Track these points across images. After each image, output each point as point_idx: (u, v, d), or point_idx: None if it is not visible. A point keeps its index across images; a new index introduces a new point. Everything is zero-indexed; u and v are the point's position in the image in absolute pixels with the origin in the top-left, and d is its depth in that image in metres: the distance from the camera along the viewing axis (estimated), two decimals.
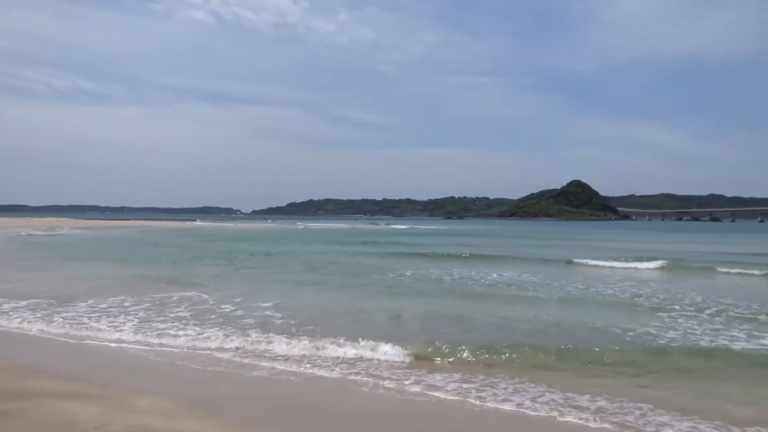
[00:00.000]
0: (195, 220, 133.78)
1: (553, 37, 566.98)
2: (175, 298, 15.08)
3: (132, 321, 11.88)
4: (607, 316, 13.04)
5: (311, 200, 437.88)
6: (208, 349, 9.73)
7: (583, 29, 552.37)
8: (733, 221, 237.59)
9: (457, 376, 8.20)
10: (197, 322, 11.77)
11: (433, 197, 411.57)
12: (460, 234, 71.22)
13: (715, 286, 19.32)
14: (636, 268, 24.25)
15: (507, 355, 9.13)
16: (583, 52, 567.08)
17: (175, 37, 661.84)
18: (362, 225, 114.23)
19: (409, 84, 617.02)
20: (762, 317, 13.08)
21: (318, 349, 9.51)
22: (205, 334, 10.60)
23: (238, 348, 9.74)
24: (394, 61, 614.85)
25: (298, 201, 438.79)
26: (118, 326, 11.32)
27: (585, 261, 26.28)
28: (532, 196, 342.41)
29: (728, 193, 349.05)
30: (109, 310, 13.13)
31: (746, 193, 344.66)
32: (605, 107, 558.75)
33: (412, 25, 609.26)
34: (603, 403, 7.01)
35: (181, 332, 10.78)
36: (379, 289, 17.89)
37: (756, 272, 22.92)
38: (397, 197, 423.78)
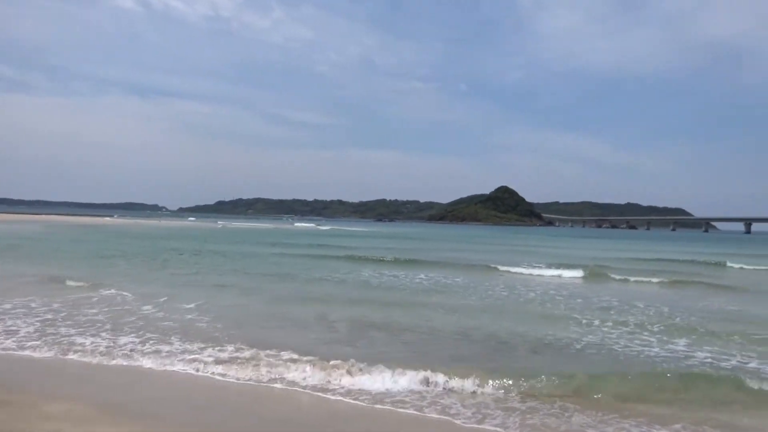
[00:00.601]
0: (113, 216, 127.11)
1: (487, 46, 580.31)
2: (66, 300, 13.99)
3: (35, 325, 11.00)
4: (528, 322, 13.13)
5: (240, 199, 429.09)
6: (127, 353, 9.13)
7: (516, 40, 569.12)
8: (648, 229, 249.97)
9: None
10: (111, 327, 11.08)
11: (364, 199, 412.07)
12: (389, 236, 70.80)
13: (630, 292, 19.86)
14: (560, 276, 24.37)
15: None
16: (515, 62, 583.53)
17: (101, 25, 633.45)
18: (287, 225, 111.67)
19: (345, 85, 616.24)
20: (677, 321, 13.57)
21: (239, 358, 9.04)
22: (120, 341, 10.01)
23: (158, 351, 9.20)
24: (330, 62, 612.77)
25: (226, 199, 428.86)
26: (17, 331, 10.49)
27: (508, 268, 26.00)
28: (461, 201, 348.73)
29: (644, 203, 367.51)
30: (13, 311, 12.11)
31: (660, 203, 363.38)
32: (535, 116, 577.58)
33: (348, 27, 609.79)
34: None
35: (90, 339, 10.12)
36: (305, 291, 17.42)
37: (665, 279, 23.74)
38: (328, 198, 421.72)
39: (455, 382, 7.82)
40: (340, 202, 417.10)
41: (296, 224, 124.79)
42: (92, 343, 9.65)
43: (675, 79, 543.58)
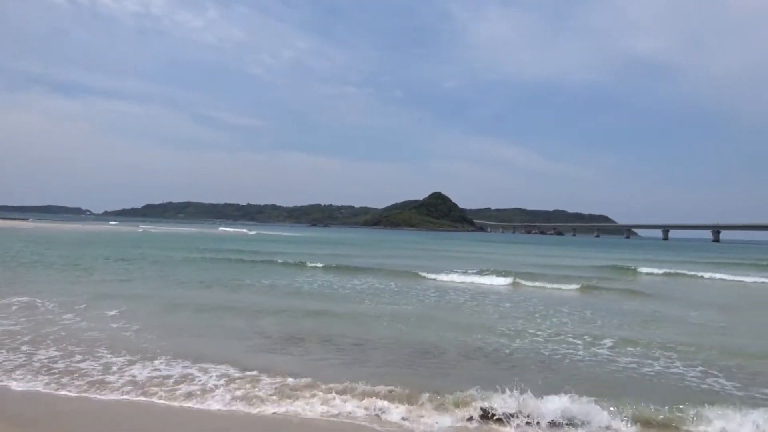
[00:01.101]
0: (28, 219, 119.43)
1: (422, 54, 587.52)
2: None
3: None
4: (457, 328, 13.12)
5: (171, 203, 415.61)
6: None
7: (450, 48, 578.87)
8: (574, 235, 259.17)
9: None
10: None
11: (299, 204, 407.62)
12: (321, 242, 69.60)
13: (555, 298, 20.28)
14: (490, 282, 24.51)
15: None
16: (449, 70, 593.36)
17: (22, 18, 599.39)
18: (213, 230, 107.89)
19: (279, 88, 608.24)
20: (598, 324, 14.01)
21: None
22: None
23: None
24: (263, 64, 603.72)
25: (156, 203, 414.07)
26: None
27: (437, 276, 25.87)
28: (396, 206, 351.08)
29: (570, 210, 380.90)
30: None
31: (585, 210, 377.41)
32: (468, 124, 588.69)
33: (282, 30, 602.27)
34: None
35: None
36: (232, 299, 16.81)
37: (587, 284, 24.54)
38: (262, 203, 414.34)
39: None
40: (273, 206, 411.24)
41: (222, 228, 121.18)
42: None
43: (599, 90, 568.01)
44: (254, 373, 8.44)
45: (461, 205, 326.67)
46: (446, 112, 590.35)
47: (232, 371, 8.49)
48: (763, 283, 29.00)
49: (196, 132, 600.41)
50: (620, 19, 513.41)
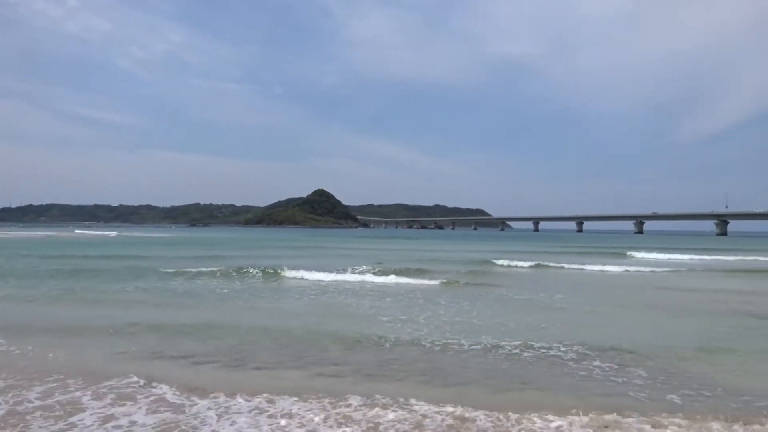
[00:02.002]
0: None
1: (302, 50, 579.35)
2: None
3: None
4: (342, 322, 12.54)
5: (31, 205, 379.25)
6: None
7: (331, 45, 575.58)
8: (453, 229, 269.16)
9: None
10: None
11: (176, 204, 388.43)
12: (198, 243, 65.50)
13: (434, 291, 20.07)
14: (372, 279, 23.59)
15: None
16: (329, 67, 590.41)
17: None
18: (67, 233, 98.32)
19: (151, 83, 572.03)
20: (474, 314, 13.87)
21: None
22: None
23: None
24: (133, 57, 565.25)
25: (13, 206, 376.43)
26: None
27: (315, 274, 24.71)
28: (279, 204, 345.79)
29: (449, 204, 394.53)
30: None
31: (463, 205, 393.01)
32: (349, 121, 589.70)
33: (153, 21, 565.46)
34: None
35: None
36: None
37: (451, 279, 24.91)
38: (136, 203, 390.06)
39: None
40: (149, 206, 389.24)
41: (79, 231, 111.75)
42: None
43: (473, 90, 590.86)
44: None
45: (345, 202, 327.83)
46: (327, 109, 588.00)
47: None
48: (613, 271, 30.45)
49: (57, 129, 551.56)
50: (491, 23, 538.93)
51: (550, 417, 6.66)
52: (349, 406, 7.02)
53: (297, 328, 12.24)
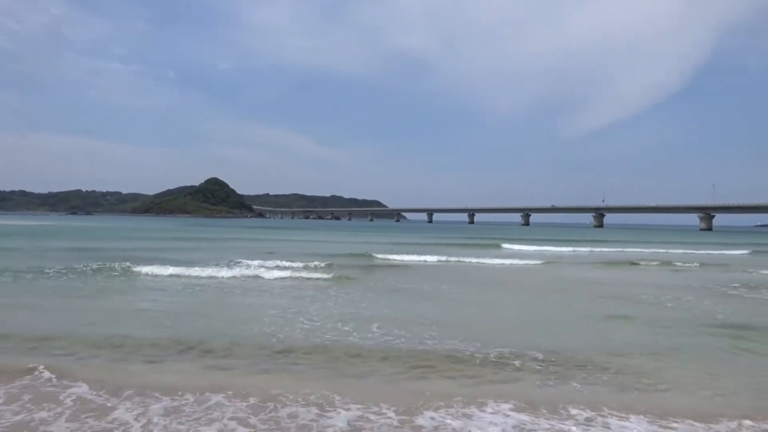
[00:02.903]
0: None
1: (196, 33, 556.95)
2: None
3: None
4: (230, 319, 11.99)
5: None
6: None
7: (227, 29, 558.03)
8: (350, 219, 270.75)
9: None
10: None
11: (55, 190, 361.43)
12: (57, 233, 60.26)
13: (323, 285, 19.85)
14: (302, 278, 22.09)
15: None
16: (225, 52, 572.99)
17: None
18: None
19: (27, 59, 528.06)
20: (363, 306, 13.68)
21: None
22: None
23: None
24: (8, 31, 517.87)
25: None
26: None
27: (204, 269, 23.16)
28: (169, 192, 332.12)
29: (346, 195, 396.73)
30: None
31: (360, 196, 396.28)
32: (245, 108, 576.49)
33: None
34: None
35: None
36: None
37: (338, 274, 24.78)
38: (8, 188, 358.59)
39: None
40: (23, 192, 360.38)
41: None
42: None
43: (369, 81, 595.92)
44: None
45: (239, 191, 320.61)
46: (223, 95, 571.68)
47: None
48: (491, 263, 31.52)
49: None
50: (389, 16, 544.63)
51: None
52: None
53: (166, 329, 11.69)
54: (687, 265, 31.52)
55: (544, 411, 6.77)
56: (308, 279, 20.76)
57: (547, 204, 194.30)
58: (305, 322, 12.14)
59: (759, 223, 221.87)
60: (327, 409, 6.71)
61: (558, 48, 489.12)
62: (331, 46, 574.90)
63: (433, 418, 6.47)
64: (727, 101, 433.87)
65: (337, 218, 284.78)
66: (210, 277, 20.12)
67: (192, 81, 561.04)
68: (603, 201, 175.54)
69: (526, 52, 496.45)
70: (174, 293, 16.34)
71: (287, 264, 24.51)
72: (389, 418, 6.48)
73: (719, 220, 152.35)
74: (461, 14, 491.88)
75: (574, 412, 6.77)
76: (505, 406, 6.90)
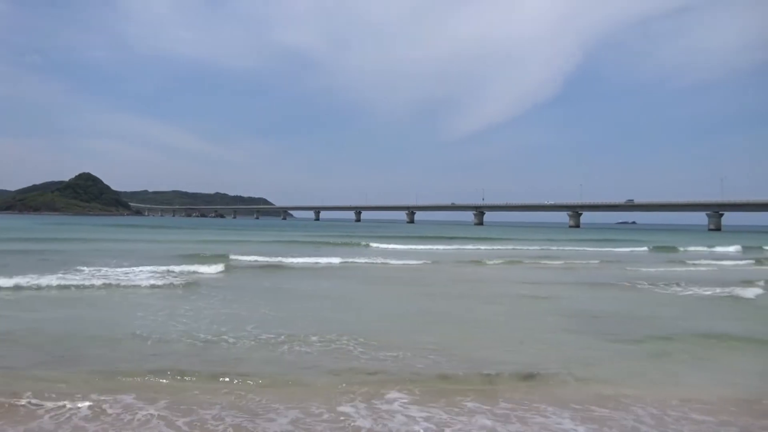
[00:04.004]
0: None
1: (65, 16, 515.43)
2: None
3: None
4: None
5: None
6: None
7: (101, 14, 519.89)
8: (235, 218, 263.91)
9: None
10: None
11: None
12: None
13: (212, 280, 19.07)
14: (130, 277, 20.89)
15: None
16: (99, 40, 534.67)
17: None
18: None
19: None
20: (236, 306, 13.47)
21: None
22: None
23: None
24: None
25: None
26: None
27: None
28: (34, 188, 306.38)
29: (231, 192, 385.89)
30: None
31: (245, 193, 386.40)
32: (121, 100, 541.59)
33: None
34: None
35: None
36: None
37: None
38: None
39: None
40: None
41: None
42: None
43: (255, 77, 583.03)
44: None
45: (115, 188, 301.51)
46: (96, 85, 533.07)
47: None
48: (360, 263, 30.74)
49: None
50: (276, 11, 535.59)
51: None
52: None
53: None
54: (553, 262, 33.63)
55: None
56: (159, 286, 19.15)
57: (432, 202, 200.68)
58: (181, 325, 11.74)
59: (620, 221, 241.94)
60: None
61: (442, 50, 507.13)
62: (216, 38, 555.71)
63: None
64: (593, 108, 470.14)
65: (222, 216, 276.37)
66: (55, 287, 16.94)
67: (61, 68, 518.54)
68: (483, 199, 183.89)
69: (413, 52, 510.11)
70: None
71: (140, 269, 21.55)
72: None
73: (586, 218, 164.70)
74: (349, 12, 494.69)
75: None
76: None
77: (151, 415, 6.54)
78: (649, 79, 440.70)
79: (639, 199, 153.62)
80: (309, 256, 31.47)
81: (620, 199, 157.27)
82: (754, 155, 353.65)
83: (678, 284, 21.08)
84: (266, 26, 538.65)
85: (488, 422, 6.59)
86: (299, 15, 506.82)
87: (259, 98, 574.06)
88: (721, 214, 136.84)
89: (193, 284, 18.39)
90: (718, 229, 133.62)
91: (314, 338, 10.55)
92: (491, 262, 30.92)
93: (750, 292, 18.23)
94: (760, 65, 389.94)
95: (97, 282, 17.87)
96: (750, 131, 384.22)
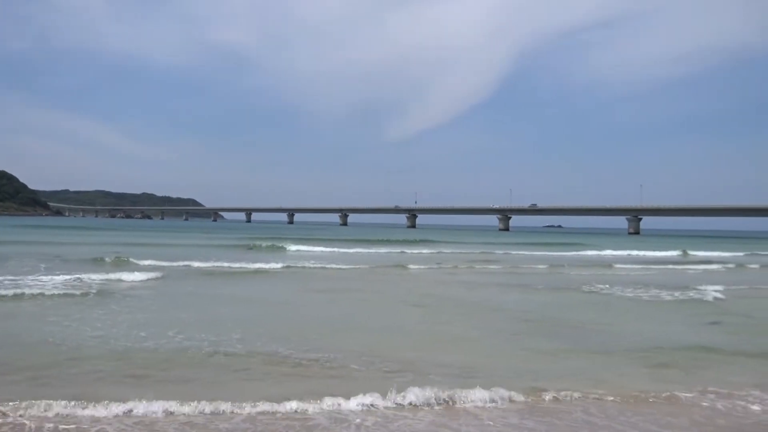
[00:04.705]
0: None
1: None
2: None
3: None
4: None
5: None
6: None
7: (22, 4, 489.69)
8: (163, 219, 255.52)
9: None
10: None
11: None
12: None
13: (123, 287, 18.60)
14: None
15: None
16: (18, 30, 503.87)
17: None
18: None
19: None
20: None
21: None
22: None
23: None
24: None
25: None
26: None
27: None
28: None
29: (159, 193, 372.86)
30: None
31: (174, 194, 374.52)
32: (38, 94, 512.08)
33: None
34: None
35: None
36: None
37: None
38: None
39: None
40: None
41: None
42: None
43: (187, 75, 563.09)
44: None
45: (32, 186, 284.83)
46: (11, 79, 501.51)
47: None
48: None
49: None
50: (212, 7, 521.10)
51: None
52: None
53: None
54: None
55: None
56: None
57: (366, 205, 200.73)
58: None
59: (547, 224, 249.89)
60: None
61: (380, 53, 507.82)
62: (148, 34, 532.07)
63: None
64: (525, 114, 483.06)
65: (149, 217, 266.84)
66: None
67: None
68: (416, 203, 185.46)
69: (351, 55, 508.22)
70: None
71: (49, 278, 19.23)
72: None
73: (515, 221, 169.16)
74: (287, 12, 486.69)
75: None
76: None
77: None
78: (577, 87, 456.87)
79: (563, 204, 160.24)
80: (224, 261, 29.40)
81: (551, 204, 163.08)
82: (669, 163, 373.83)
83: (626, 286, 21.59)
84: (201, 23, 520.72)
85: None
86: (235, 13, 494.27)
87: (192, 97, 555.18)
88: (640, 219, 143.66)
89: (108, 292, 16.95)
90: (637, 232, 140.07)
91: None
92: (415, 267, 30.42)
93: (710, 295, 19.50)
94: (682, 77, 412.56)
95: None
96: (668, 140, 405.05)
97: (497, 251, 47.78)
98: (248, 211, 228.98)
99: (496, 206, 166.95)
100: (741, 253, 51.96)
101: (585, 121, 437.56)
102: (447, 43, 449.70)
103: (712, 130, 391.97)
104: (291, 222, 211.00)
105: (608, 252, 49.84)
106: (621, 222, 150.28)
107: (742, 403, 7.52)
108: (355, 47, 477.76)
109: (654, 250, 51.24)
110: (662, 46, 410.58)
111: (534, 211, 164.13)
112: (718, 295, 19.50)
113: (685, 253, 51.38)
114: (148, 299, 15.99)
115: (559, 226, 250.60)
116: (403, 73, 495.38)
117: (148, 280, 20.52)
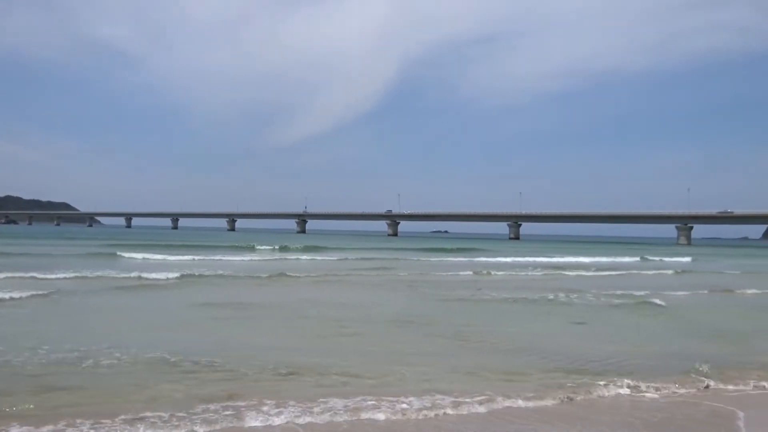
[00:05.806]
0: None
1: None
2: None
3: None
4: None
5: None
6: None
7: None
8: (30, 224, 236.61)
9: None
10: None
11: None
12: None
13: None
14: None
15: None
16: None
17: None
18: None
19: None
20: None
21: None
22: None
23: None
24: None
25: None
26: None
27: None
28: None
29: (26, 196, 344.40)
30: None
31: (44, 197, 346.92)
32: None
33: None
34: None
35: None
36: None
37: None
38: None
39: None
40: None
41: None
42: None
43: (65, 71, 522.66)
44: None
45: None
46: None
47: None
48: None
49: None
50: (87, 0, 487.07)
51: None
52: None
53: None
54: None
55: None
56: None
57: (255, 210, 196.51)
58: None
59: (434, 230, 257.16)
60: None
61: (270, 57, 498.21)
62: (16, 25, 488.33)
63: None
64: (412, 122, 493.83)
65: (14, 222, 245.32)
66: None
67: None
68: (305, 208, 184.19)
69: (239, 57, 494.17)
70: None
71: None
72: None
73: (404, 226, 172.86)
74: (169, 10, 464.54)
75: None
76: None
77: None
78: (461, 99, 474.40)
79: (450, 210, 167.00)
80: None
81: (436, 210, 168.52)
82: (547, 172, 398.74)
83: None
84: (76, 16, 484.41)
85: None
86: (114, 6, 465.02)
87: (68, 94, 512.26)
88: (520, 224, 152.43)
89: None
90: (517, 237, 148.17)
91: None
92: (299, 275, 28.18)
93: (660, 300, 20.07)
94: (560, 91, 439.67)
95: None
96: (546, 152, 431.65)
97: (395, 256, 47.79)
98: (128, 216, 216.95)
99: (385, 212, 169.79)
100: (605, 258, 55.45)
101: (469, 132, 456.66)
102: (339, 51, 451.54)
103: (583, 142, 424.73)
104: (175, 227, 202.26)
105: (499, 259, 51.05)
106: (503, 227, 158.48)
107: None
108: (245, 50, 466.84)
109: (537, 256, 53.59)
110: (540, 63, 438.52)
111: (422, 216, 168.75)
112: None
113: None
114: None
115: (446, 231, 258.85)
116: (292, 78, 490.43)
117: None
